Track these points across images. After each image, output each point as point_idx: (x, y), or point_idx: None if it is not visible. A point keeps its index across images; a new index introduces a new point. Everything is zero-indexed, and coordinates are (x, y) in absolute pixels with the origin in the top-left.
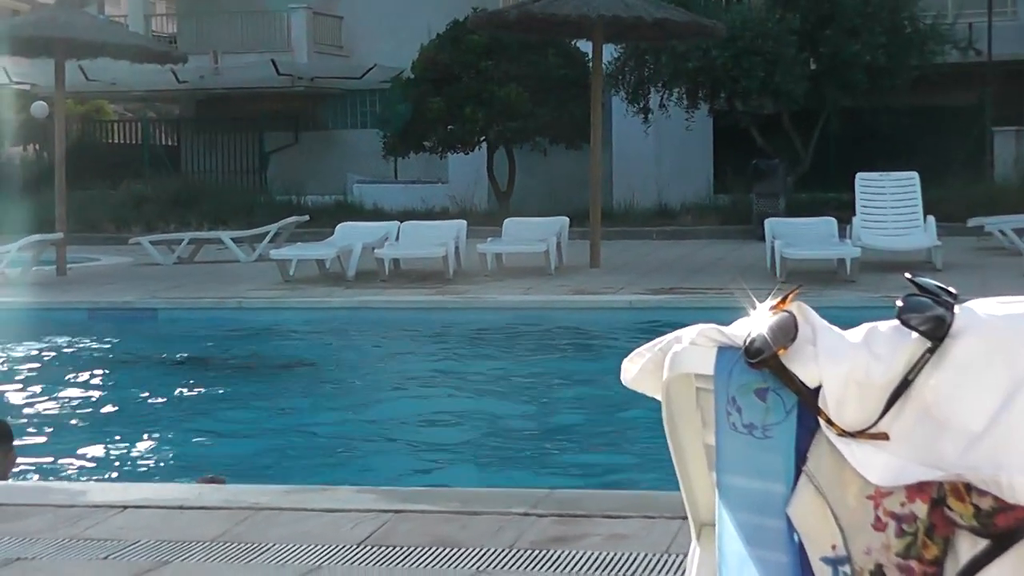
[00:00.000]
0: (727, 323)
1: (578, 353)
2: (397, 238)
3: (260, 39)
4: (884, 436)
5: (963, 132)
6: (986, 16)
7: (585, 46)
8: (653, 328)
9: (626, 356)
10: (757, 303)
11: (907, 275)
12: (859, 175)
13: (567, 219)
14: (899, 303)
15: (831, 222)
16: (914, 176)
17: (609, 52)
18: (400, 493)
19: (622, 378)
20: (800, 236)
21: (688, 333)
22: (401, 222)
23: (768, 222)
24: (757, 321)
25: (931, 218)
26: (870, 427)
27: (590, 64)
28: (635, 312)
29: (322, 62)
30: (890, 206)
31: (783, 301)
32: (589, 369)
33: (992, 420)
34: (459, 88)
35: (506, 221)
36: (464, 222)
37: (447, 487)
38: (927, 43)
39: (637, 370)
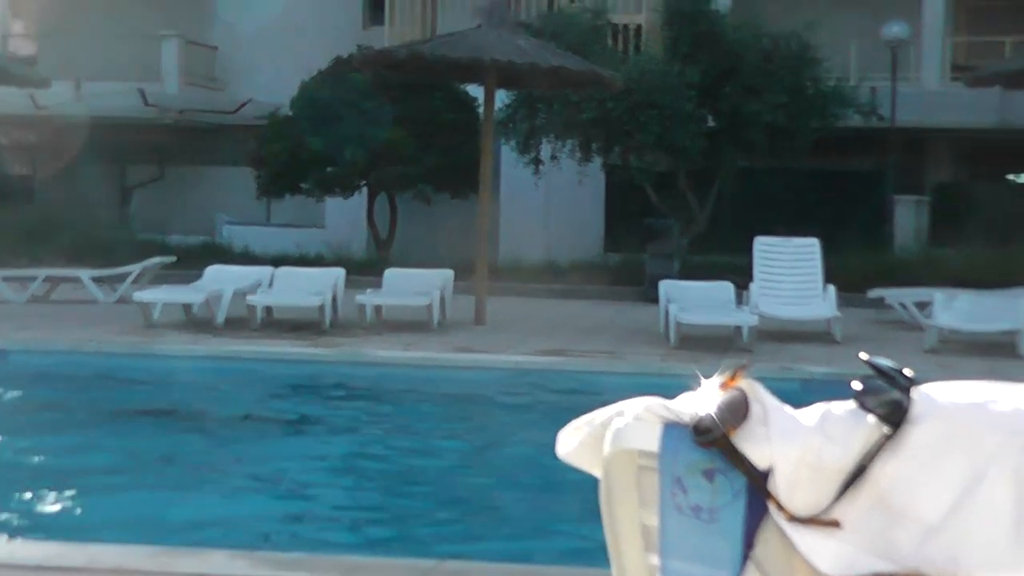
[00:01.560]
0: (616, 389)
1: (461, 414)
2: (270, 284)
3: (127, 66)
4: (836, 523)
5: (864, 199)
6: (890, 80)
7: (475, 90)
8: (539, 390)
9: (511, 418)
10: (703, 379)
11: (862, 355)
12: (758, 239)
13: (451, 272)
14: (855, 385)
15: (728, 287)
16: (814, 243)
17: (500, 98)
18: (277, 559)
19: (557, 451)
20: (695, 301)
21: (631, 407)
22: (275, 268)
23: (663, 284)
24: (705, 398)
25: (831, 287)
26: (821, 513)
27: (480, 109)
28: (521, 373)
29: (193, 94)
30: (789, 273)
31: (732, 378)
32: (473, 431)
33: (950, 512)
34: (340, 128)
35: (387, 272)
36: (342, 270)
37: (327, 555)
38: (829, 105)
39: (576, 444)
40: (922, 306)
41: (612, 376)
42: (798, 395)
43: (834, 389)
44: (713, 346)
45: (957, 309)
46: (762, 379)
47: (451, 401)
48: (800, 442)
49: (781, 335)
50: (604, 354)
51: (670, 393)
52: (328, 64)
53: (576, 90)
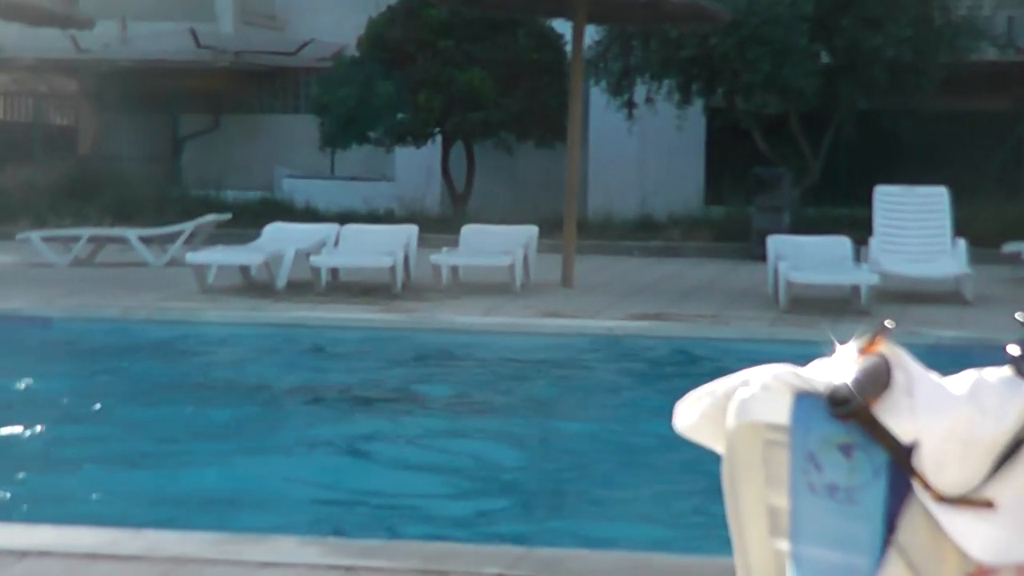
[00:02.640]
0: (720, 357)
1: (551, 387)
2: (336, 244)
3: (177, 4)
4: (990, 504)
5: (998, 142)
6: None
7: (562, 27)
8: (636, 358)
9: (605, 390)
10: (839, 344)
11: (1019, 315)
12: (878, 189)
13: (536, 229)
14: (1012, 349)
15: (844, 243)
16: (942, 192)
17: (589, 35)
18: (352, 546)
19: (676, 424)
20: (808, 258)
21: (758, 375)
22: (341, 225)
23: (771, 240)
24: (842, 365)
25: (961, 241)
26: (973, 492)
27: (567, 48)
28: (615, 340)
29: (250, 34)
30: (914, 226)
31: (872, 342)
32: (565, 406)
33: None
34: (413, 71)
35: (464, 229)
36: (415, 228)
37: (407, 539)
38: (959, 38)
39: (696, 416)
40: None
41: (715, 343)
42: (925, 361)
43: (965, 355)
44: (828, 308)
45: None
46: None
47: (537, 370)
48: (950, 414)
49: (905, 296)
50: (706, 318)
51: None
52: None
53: (675, 24)
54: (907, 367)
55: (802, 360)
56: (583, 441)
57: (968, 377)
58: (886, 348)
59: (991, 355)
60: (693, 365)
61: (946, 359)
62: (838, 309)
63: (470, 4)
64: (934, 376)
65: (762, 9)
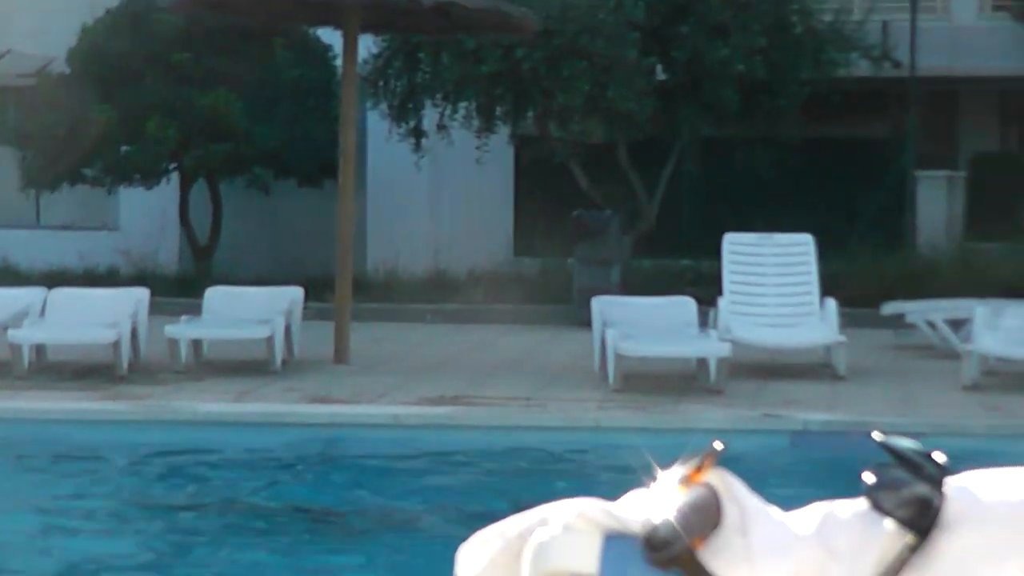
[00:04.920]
0: (537, 453)
1: (319, 491)
2: (42, 313)
3: None
4: None
5: (875, 177)
6: (908, 14)
7: (330, 36)
8: (429, 456)
9: (384, 499)
10: (659, 471)
11: (875, 435)
12: (728, 237)
13: (300, 291)
14: (867, 477)
15: (687, 304)
16: (807, 240)
17: (365, 46)
18: None
19: (458, 573)
20: (643, 324)
21: (559, 512)
22: (48, 289)
23: (597, 302)
24: (661, 498)
25: (830, 302)
26: None
27: (337, 63)
28: (402, 432)
29: None
30: (772, 283)
31: (699, 469)
32: (330, 516)
33: None
34: (140, 92)
35: (208, 292)
36: (145, 291)
37: None
38: (824, 49)
39: (485, 562)
40: (957, 324)
41: (530, 432)
42: (786, 454)
43: (836, 444)
44: (669, 386)
45: (1006, 328)
46: (739, 431)
47: (301, 473)
48: (793, 557)
49: (764, 369)
50: (519, 402)
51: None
52: (120, 1)
53: (473, 34)
54: (741, 500)
55: (636, 453)
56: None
57: (816, 512)
58: (715, 477)
59: (869, 444)
60: (501, 465)
61: (815, 450)
62: (681, 387)
63: (212, 10)
64: (774, 511)
65: (580, 15)
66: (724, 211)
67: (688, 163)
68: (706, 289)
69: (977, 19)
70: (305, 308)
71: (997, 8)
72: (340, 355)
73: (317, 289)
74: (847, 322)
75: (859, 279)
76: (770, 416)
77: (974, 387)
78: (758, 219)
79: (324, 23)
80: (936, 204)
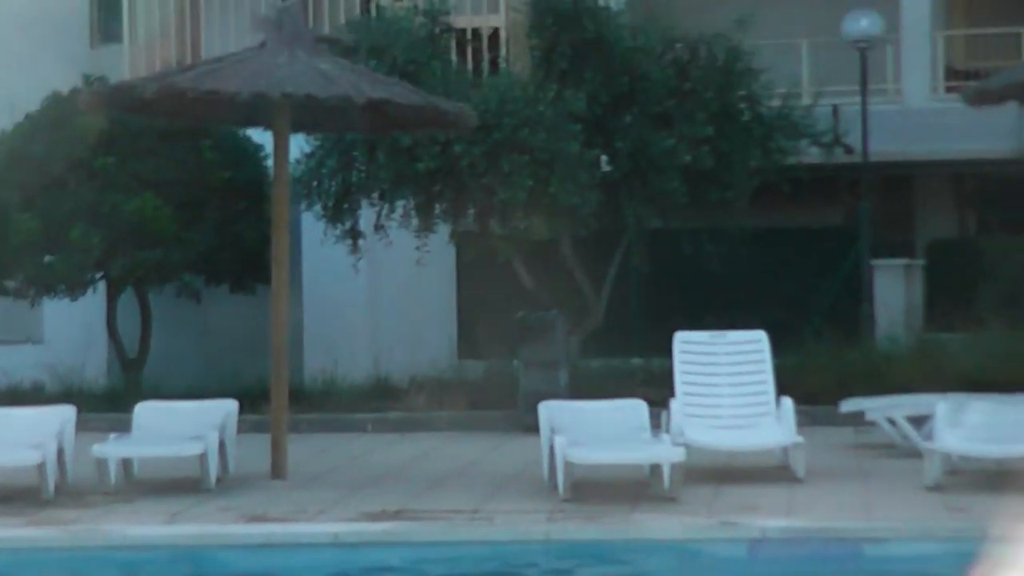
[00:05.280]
0: (485, 568)
1: None
2: None
3: None
4: None
5: (829, 267)
6: (859, 98)
7: (261, 136)
8: (371, 574)
9: None
10: None
11: None
12: (679, 336)
13: (235, 403)
14: None
15: (639, 407)
16: (761, 337)
17: (297, 145)
18: None
19: None
20: (592, 429)
21: None
22: None
23: (544, 407)
24: None
25: (787, 401)
26: None
27: (268, 164)
28: (343, 551)
29: None
30: (726, 383)
31: None
32: None
33: None
34: (63, 198)
35: (138, 407)
36: (72, 409)
37: None
38: (773, 136)
39: None
40: (919, 421)
41: (477, 547)
42: (745, 564)
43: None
44: (622, 494)
45: (969, 425)
46: (695, 540)
47: None
48: None
49: (719, 473)
50: (464, 515)
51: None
52: (42, 103)
53: (409, 130)
54: None
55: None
56: None
57: None
58: None
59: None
60: None
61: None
62: (634, 494)
63: (138, 112)
64: None
65: (519, 108)
66: (675, 306)
67: (636, 258)
68: (658, 389)
69: (930, 101)
70: (240, 421)
71: (950, 90)
72: (277, 470)
73: (252, 400)
74: (805, 421)
75: (816, 375)
76: (727, 524)
77: (937, 487)
78: (710, 314)
79: (253, 124)
80: (894, 294)
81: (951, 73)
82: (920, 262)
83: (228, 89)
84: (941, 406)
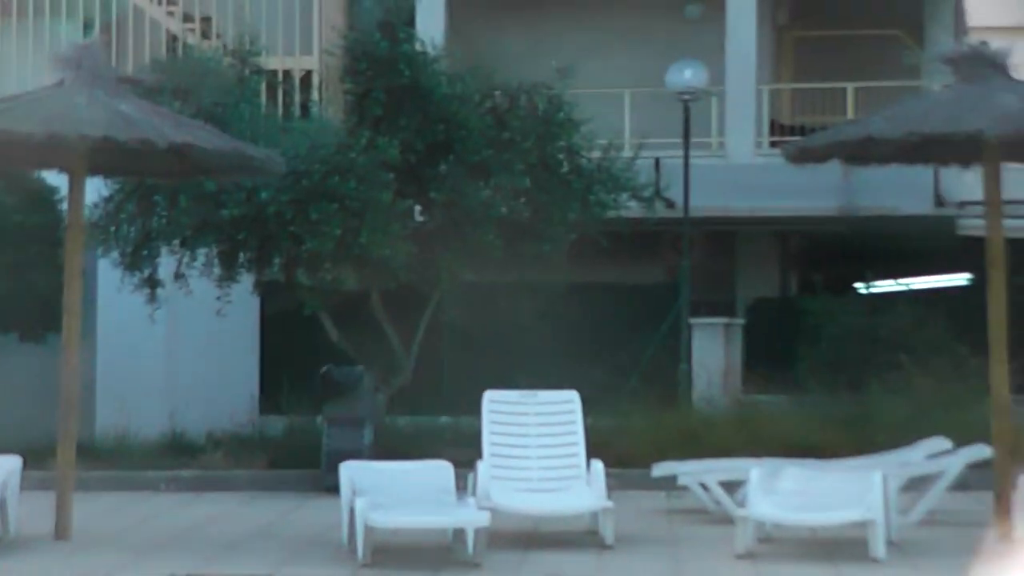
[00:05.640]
0: None
1: None
2: None
3: None
4: None
5: (647, 324)
6: (682, 150)
7: (58, 178)
8: None
9: None
10: None
11: None
12: (488, 395)
13: (18, 459)
14: None
15: (444, 469)
16: (572, 398)
17: (95, 189)
18: None
19: None
20: (396, 491)
21: None
22: None
23: (345, 467)
24: None
25: (597, 464)
26: None
27: (63, 208)
28: None
29: None
30: (535, 444)
31: None
32: None
33: None
34: None
35: None
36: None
37: None
38: (593, 189)
39: None
40: (734, 486)
41: None
42: None
43: None
44: (424, 559)
45: (783, 491)
46: None
47: None
48: None
49: (526, 538)
50: None
51: None
52: None
53: (213, 176)
54: None
55: None
56: None
57: None
58: None
59: None
60: None
61: None
62: (438, 559)
63: None
64: None
65: (330, 155)
66: (487, 363)
67: (448, 312)
68: (466, 450)
69: (754, 156)
70: (24, 477)
71: (775, 144)
72: (62, 531)
73: (38, 456)
74: (617, 484)
75: (631, 437)
76: None
77: (749, 555)
78: (523, 372)
79: (47, 166)
80: (712, 354)
81: (777, 128)
82: (740, 321)
83: (19, 129)
84: (755, 472)
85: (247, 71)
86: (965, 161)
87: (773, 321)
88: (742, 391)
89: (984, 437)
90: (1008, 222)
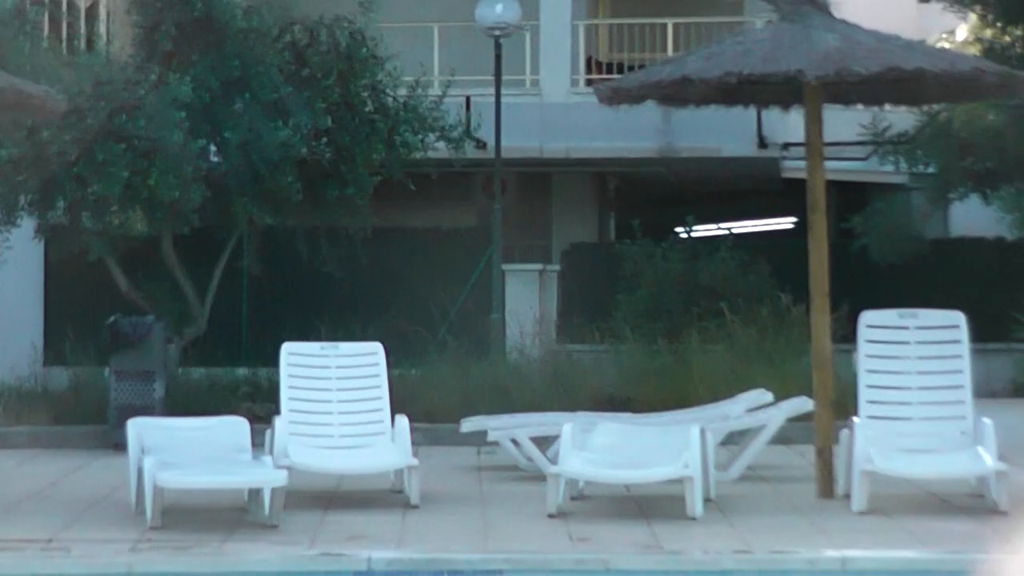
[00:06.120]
0: None
1: None
2: None
3: None
4: None
5: (459, 272)
6: (492, 87)
7: None
8: None
9: None
10: None
11: None
12: (286, 347)
13: None
14: None
15: (238, 425)
16: (376, 350)
17: None
18: None
19: None
20: (188, 449)
21: None
22: None
23: (133, 424)
24: None
25: (402, 419)
26: None
27: None
28: None
29: None
30: (337, 399)
31: None
32: None
33: None
34: None
35: None
36: None
37: None
38: (399, 129)
39: None
40: (547, 442)
41: None
42: None
43: None
44: (217, 522)
45: (597, 447)
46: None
47: None
48: None
49: (326, 498)
50: (37, 544)
51: None
52: None
53: None
54: None
55: None
56: None
57: None
58: None
59: None
60: None
61: None
62: (232, 522)
63: None
64: None
65: (116, 92)
66: (288, 313)
67: (246, 259)
68: (265, 405)
69: (569, 95)
70: None
71: (591, 83)
72: None
73: None
74: (425, 440)
75: (438, 391)
76: (329, 555)
77: (561, 515)
78: (326, 322)
79: None
80: (526, 302)
81: (593, 65)
82: (555, 268)
83: None
84: (567, 427)
85: (27, 2)
86: (785, 102)
87: (590, 267)
88: (557, 341)
89: (807, 390)
90: (831, 164)
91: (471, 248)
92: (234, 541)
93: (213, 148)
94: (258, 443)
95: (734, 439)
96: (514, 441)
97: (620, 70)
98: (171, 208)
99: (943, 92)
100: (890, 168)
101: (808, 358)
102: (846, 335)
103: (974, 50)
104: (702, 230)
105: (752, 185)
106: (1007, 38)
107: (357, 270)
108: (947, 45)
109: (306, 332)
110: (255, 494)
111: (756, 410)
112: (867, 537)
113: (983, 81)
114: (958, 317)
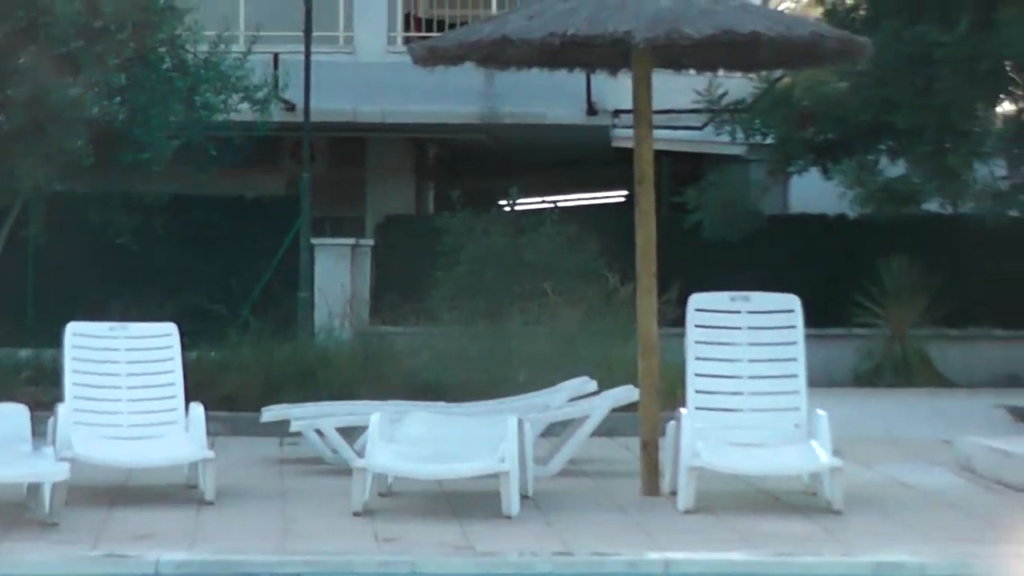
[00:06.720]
0: None
1: None
2: None
3: None
4: None
5: (264, 246)
6: (302, 44)
7: None
8: None
9: None
10: None
11: None
12: (71, 327)
13: None
14: None
15: (19, 413)
16: (171, 331)
17: None
18: None
19: None
20: None
21: None
22: None
23: None
24: None
25: (198, 408)
26: None
27: None
28: None
29: None
30: (127, 385)
31: None
32: None
33: None
34: None
35: None
36: None
37: None
38: (199, 90)
39: None
40: (355, 433)
41: None
42: None
43: None
44: None
45: (407, 439)
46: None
47: None
48: None
49: (113, 493)
50: None
51: None
52: None
53: None
54: None
55: None
56: None
57: None
58: None
59: None
60: None
61: None
62: (9, 518)
63: None
64: None
65: None
66: (78, 288)
67: (32, 228)
68: (50, 389)
69: (386, 54)
70: None
71: (409, 41)
72: None
73: None
74: (223, 430)
75: (239, 376)
76: (114, 556)
77: (367, 512)
78: (118, 298)
79: None
80: (336, 279)
81: (412, 23)
82: (369, 242)
83: None
84: (375, 417)
85: None
86: (613, 66)
87: (406, 242)
88: (368, 322)
89: (634, 377)
90: (663, 133)
91: (278, 219)
92: (10, 540)
93: None
94: (40, 432)
95: (555, 430)
96: (319, 432)
97: (441, 28)
98: None
99: (780, 58)
100: (727, 138)
101: (635, 343)
102: (676, 319)
103: (817, 13)
104: (527, 203)
105: (581, 154)
106: (850, 1)
107: (153, 242)
108: (792, 6)
109: (98, 310)
110: (35, 489)
111: (579, 399)
112: (692, 538)
113: (822, 47)
114: (793, 301)
